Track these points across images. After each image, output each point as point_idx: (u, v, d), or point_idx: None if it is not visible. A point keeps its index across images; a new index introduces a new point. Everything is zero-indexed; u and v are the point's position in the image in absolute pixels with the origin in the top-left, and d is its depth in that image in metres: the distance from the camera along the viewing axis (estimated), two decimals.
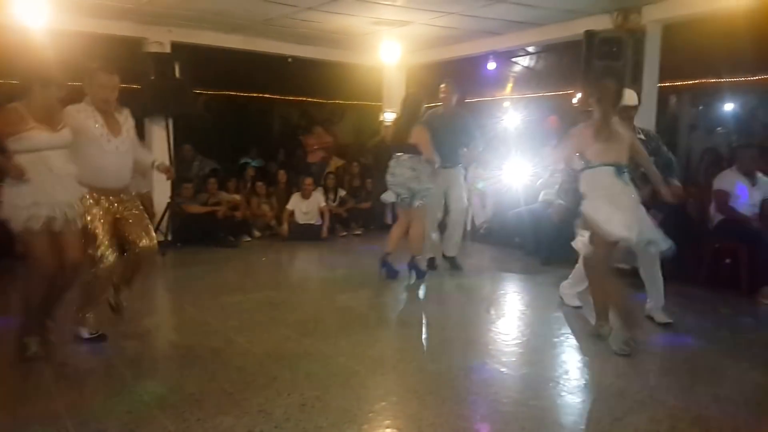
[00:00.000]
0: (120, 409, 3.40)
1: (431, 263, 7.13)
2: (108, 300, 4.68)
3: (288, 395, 3.59)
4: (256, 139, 13.37)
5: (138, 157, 4.71)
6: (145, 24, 8.31)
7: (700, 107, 11.44)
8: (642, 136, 4.91)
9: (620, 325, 4.47)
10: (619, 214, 4.29)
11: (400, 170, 6.38)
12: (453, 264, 7.29)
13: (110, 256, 4.35)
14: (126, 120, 4.55)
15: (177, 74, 8.27)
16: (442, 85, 7.12)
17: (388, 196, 6.61)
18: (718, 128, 11.12)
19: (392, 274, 6.51)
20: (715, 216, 6.57)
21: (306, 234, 9.36)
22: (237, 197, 9.46)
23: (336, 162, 11.37)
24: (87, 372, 4.00)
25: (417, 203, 6.37)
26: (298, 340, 4.65)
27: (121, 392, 3.65)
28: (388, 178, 6.52)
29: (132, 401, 3.51)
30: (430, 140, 6.33)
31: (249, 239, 9.31)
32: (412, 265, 6.53)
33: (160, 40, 8.49)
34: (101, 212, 4.36)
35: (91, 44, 7.46)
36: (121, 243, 4.50)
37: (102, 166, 4.36)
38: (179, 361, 4.25)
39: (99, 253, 4.32)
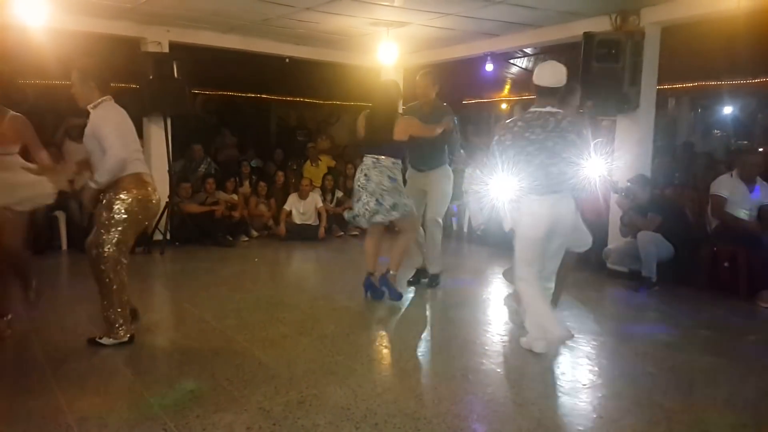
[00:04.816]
0: (120, 405, 3.41)
1: (416, 278, 6.51)
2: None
3: (286, 393, 3.60)
4: (254, 139, 13.37)
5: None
6: (143, 24, 8.31)
7: (699, 110, 11.48)
8: None
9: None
10: None
11: (377, 176, 5.49)
12: (433, 281, 6.43)
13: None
14: (89, 122, 4.29)
15: (175, 74, 8.26)
16: (419, 77, 6.23)
17: (353, 216, 5.74)
18: (715, 131, 11.17)
19: (377, 295, 5.80)
20: (713, 220, 6.57)
21: (303, 234, 9.39)
22: (235, 197, 9.47)
23: (328, 162, 11.39)
24: (87, 369, 3.99)
25: (394, 216, 5.56)
26: (295, 338, 4.66)
27: (121, 389, 3.67)
28: (360, 181, 5.59)
29: (132, 398, 3.52)
30: (420, 124, 5.66)
31: (247, 239, 9.32)
32: (384, 282, 5.81)
33: (158, 39, 8.48)
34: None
35: (89, 44, 7.46)
36: None
37: None
38: (178, 358, 4.25)
39: None
